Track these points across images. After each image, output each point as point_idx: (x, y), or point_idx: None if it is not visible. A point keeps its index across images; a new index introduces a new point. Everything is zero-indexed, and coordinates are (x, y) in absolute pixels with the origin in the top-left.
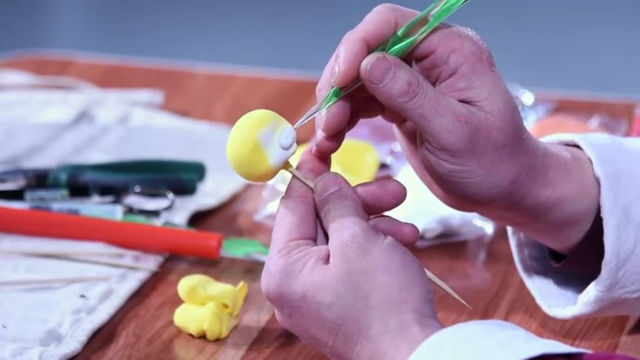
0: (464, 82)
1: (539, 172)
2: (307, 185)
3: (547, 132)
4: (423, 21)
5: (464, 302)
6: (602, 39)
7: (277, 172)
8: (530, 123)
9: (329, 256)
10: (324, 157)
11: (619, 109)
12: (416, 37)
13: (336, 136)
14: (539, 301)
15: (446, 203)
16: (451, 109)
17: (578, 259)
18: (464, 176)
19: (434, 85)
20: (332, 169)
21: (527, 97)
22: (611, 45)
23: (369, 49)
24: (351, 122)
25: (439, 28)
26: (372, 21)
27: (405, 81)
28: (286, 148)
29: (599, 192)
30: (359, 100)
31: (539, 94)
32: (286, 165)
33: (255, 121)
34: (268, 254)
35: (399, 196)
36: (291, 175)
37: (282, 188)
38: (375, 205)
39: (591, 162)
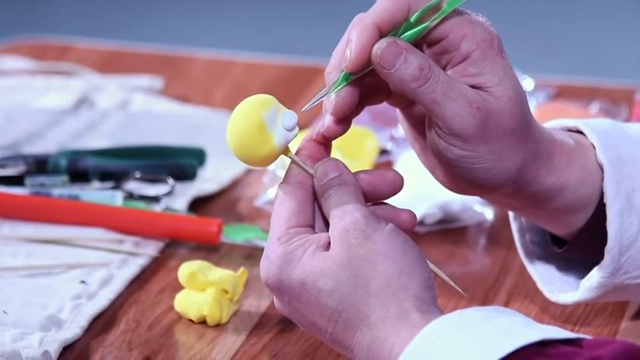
0: (475, 68)
1: (545, 159)
2: (307, 171)
3: (547, 118)
4: (436, 7)
5: (460, 290)
6: (601, 24)
7: (278, 156)
8: (531, 109)
9: (328, 243)
10: (324, 143)
11: (619, 94)
12: (428, 23)
13: (343, 120)
14: (540, 286)
15: (448, 188)
16: (463, 95)
17: (580, 245)
18: (473, 162)
19: (445, 70)
20: (331, 155)
21: (527, 83)
22: (611, 30)
23: (381, 35)
24: (357, 109)
25: (451, 15)
26: (385, 6)
27: (416, 66)
28: (290, 130)
29: (603, 178)
30: (365, 87)
31: (539, 79)
32: (286, 150)
33: (259, 103)
34: (267, 242)
35: (396, 185)
36: (289, 161)
37: (282, 174)
38: (372, 193)
39: (594, 148)
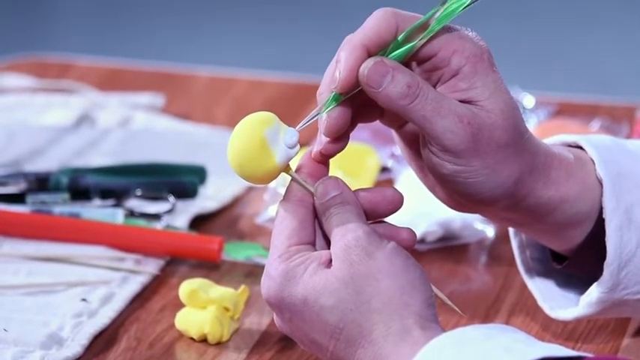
0: (466, 83)
1: (542, 172)
2: (307, 189)
3: (548, 135)
4: (424, 26)
5: (459, 310)
6: (602, 42)
7: (279, 173)
8: (531, 126)
9: (330, 260)
10: (323, 161)
11: (620, 112)
12: (416, 42)
13: (339, 139)
14: (540, 302)
15: (448, 205)
16: (453, 110)
17: (580, 261)
18: (468, 176)
19: (435, 87)
20: (332, 173)
21: (528, 100)
22: (612, 48)
23: (369, 54)
24: (350, 126)
25: (440, 32)
26: (373, 26)
27: (404, 84)
28: (291, 147)
29: (602, 193)
30: (357, 105)
31: (540, 97)
32: (286, 168)
33: (261, 120)
34: (268, 259)
35: (396, 203)
36: (290, 179)
37: (283, 191)
38: (372, 211)
39: (594, 163)
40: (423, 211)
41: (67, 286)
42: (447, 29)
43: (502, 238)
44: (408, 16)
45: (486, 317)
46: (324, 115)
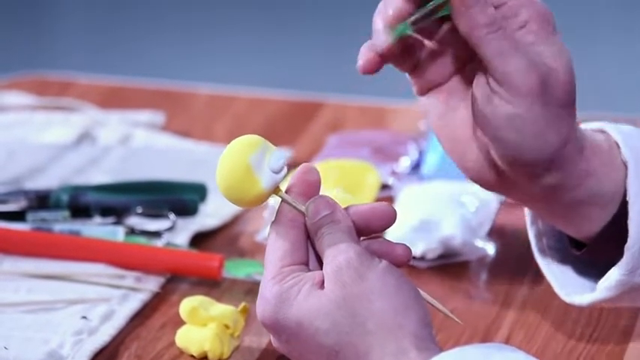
0: (532, 37)
1: (580, 142)
2: (298, 209)
3: None
4: None
5: (456, 319)
6: (603, 56)
7: (268, 197)
8: None
9: (323, 281)
10: (313, 177)
11: None
12: None
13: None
14: (557, 289)
15: (481, 179)
16: (527, 54)
17: (600, 246)
18: (525, 123)
19: None
20: (332, 190)
21: None
22: (612, 63)
23: None
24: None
25: None
26: None
27: (492, 13)
28: (277, 172)
29: (626, 175)
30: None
31: None
32: (276, 189)
33: (245, 146)
34: (262, 281)
35: (390, 219)
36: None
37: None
38: (365, 228)
39: (618, 147)
40: (423, 228)
41: (67, 303)
42: None
43: (502, 255)
44: None
45: (487, 335)
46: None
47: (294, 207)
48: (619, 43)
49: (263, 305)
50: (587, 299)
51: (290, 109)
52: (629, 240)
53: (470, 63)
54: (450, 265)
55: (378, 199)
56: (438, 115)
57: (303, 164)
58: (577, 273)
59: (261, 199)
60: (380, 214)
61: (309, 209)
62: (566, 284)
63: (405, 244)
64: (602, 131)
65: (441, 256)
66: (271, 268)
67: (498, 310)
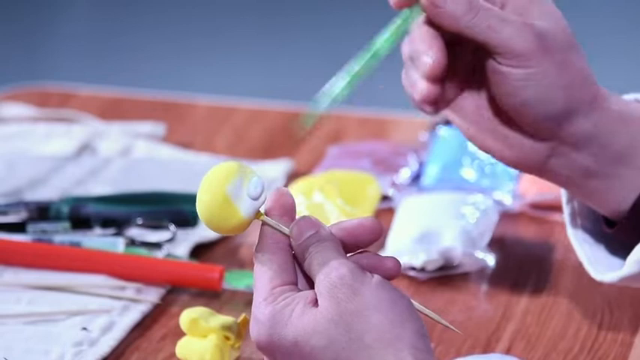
0: (524, 1)
1: (603, 89)
2: (281, 232)
3: None
4: None
5: (454, 328)
6: (601, 69)
7: (249, 224)
8: None
9: (316, 299)
10: (287, 199)
11: None
12: None
13: (439, 81)
14: (587, 266)
15: (511, 157)
16: (514, 18)
17: (632, 223)
18: (540, 77)
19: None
20: (334, 201)
21: None
22: (611, 75)
23: None
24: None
25: None
26: None
27: (466, 0)
28: (256, 199)
29: None
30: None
31: None
32: (257, 214)
33: (222, 175)
34: (253, 303)
35: (376, 232)
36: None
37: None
38: (352, 243)
39: None
40: (423, 239)
41: (67, 315)
42: None
43: (502, 267)
44: None
45: (487, 346)
46: (424, 58)
47: (278, 230)
48: (621, 56)
49: (257, 328)
50: (617, 275)
51: (290, 120)
52: None
53: (472, 56)
54: (450, 276)
55: (379, 211)
56: (462, 123)
57: (277, 188)
58: (609, 253)
59: (242, 227)
60: (366, 228)
61: (294, 231)
62: (596, 262)
63: (394, 258)
64: (638, 101)
65: (441, 268)
66: (262, 290)
67: (499, 321)
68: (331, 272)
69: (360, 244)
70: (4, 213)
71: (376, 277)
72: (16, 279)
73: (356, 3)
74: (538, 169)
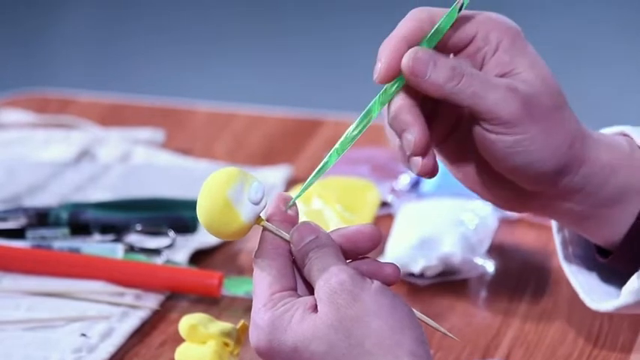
0: (507, 56)
1: (593, 140)
2: (282, 237)
3: None
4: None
5: (452, 336)
6: (598, 78)
7: (250, 228)
8: None
9: (315, 305)
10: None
11: None
12: (439, 24)
13: (428, 153)
14: (581, 295)
15: (502, 203)
16: (500, 82)
17: (626, 252)
18: (528, 144)
19: (481, 69)
20: (333, 207)
21: None
22: (608, 83)
23: (409, 46)
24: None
25: (472, 16)
26: (410, 18)
27: (448, 67)
28: (257, 203)
29: None
30: None
31: None
32: (258, 219)
33: (223, 180)
34: (253, 309)
35: (375, 239)
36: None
37: None
38: (351, 250)
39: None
40: (422, 245)
41: (66, 321)
42: (478, 13)
43: (502, 273)
44: (441, 10)
45: (486, 352)
46: (408, 136)
47: (278, 235)
48: (620, 68)
49: (257, 333)
50: (612, 305)
51: (289, 127)
52: None
53: (463, 116)
54: (449, 282)
55: (378, 217)
56: (449, 164)
57: (278, 193)
58: (603, 280)
59: (243, 232)
60: (365, 235)
61: (294, 237)
62: (591, 291)
63: (393, 264)
64: (624, 134)
65: (441, 274)
66: (261, 296)
67: (498, 327)
68: (331, 278)
69: (359, 251)
70: (3, 219)
71: (376, 283)
72: (15, 285)
73: (356, 9)
74: (532, 213)
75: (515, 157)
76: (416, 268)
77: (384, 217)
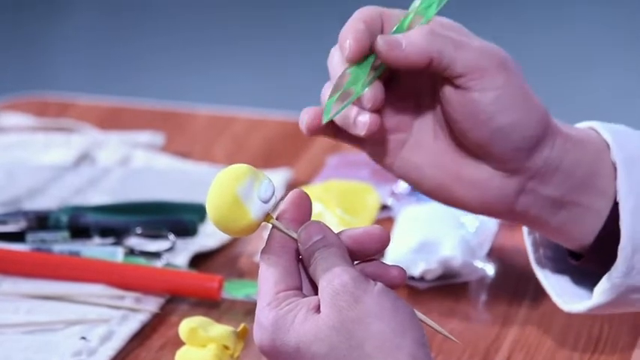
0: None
1: (561, 129)
2: (289, 235)
3: None
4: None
5: (453, 338)
6: (600, 80)
7: (258, 226)
8: None
9: (319, 305)
10: (304, 203)
11: None
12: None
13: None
14: (554, 297)
15: (475, 204)
16: (476, 43)
17: (597, 254)
18: (510, 98)
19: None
20: (333, 211)
21: None
22: (610, 86)
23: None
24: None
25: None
26: (361, 11)
27: (425, 31)
28: (266, 201)
29: (616, 176)
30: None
31: None
32: (267, 217)
33: (233, 176)
34: (257, 307)
35: (383, 242)
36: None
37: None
38: (359, 251)
39: (608, 146)
40: (422, 249)
41: (66, 324)
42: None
43: (502, 276)
44: (389, 9)
45: (487, 355)
46: (365, 90)
47: (287, 234)
48: (619, 71)
49: (260, 332)
50: (584, 306)
51: (289, 130)
52: (621, 240)
53: (418, 101)
54: (449, 285)
55: (378, 220)
56: (427, 170)
57: (295, 190)
58: (574, 282)
59: (251, 229)
60: (374, 237)
61: (301, 235)
62: (563, 293)
63: (399, 267)
64: (593, 129)
65: (441, 277)
66: (266, 294)
67: (498, 330)
68: (334, 279)
69: (367, 252)
70: (3, 222)
71: (379, 285)
72: (15, 288)
73: None
74: (507, 210)
75: (499, 116)
76: (416, 272)
77: (384, 221)
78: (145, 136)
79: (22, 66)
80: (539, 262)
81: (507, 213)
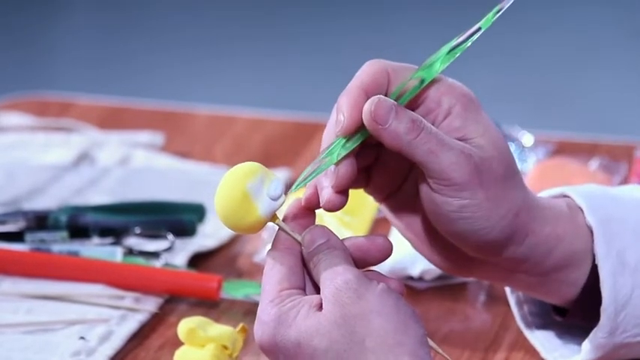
0: (459, 121)
1: (538, 210)
2: (294, 238)
3: (547, 174)
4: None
5: (446, 356)
6: (602, 80)
7: (265, 224)
8: (530, 165)
9: (321, 303)
10: (311, 209)
11: (619, 150)
12: (411, 81)
13: (344, 192)
14: (544, 354)
15: (446, 267)
16: (455, 144)
17: (580, 310)
18: (474, 210)
19: None
20: (331, 212)
21: (527, 139)
22: (611, 86)
23: (368, 97)
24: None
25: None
26: (367, 71)
27: (408, 119)
28: (275, 199)
29: (593, 240)
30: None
31: (538, 135)
32: (273, 217)
33: (244, 173)
34: (259, 305)
35: (386, 251)
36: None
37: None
38: (361, 259)
39: (582, 211)
40: None
41: (65, 324)
42: (435, 79)
43: None
44: (397, 65)
45: (485, 356)
46: (332, 167)
47: (291, 235)
48: (619, 68)
49: (261, 328)
50: None
51: (289, 130)
52: (603, 302)
53: (412, 170)
54: (448, 286)
55: (376, 220)
56: (396, 220)
57: (299, 197)
58: (561, 337)
59: (258, 226)
60: (377, 246)
61: (305, 238)
62: (552, 349)
63: (398, 280)
64: (565, 195)
65: (440, 277)
66: (269, 291)
67: (497, 330)
68: (337, 277)
69: (369, 261)
70: (2, 222)
71: (381, 284)
72: (14, 288)
73: (356, 14)
74: (475, 275)
75: (460, 222)
76: (415, 272)
77: (383, 220)
78: (145, 136)
79: (22, 66)
80: (524, 320)
81: (483, 280)
